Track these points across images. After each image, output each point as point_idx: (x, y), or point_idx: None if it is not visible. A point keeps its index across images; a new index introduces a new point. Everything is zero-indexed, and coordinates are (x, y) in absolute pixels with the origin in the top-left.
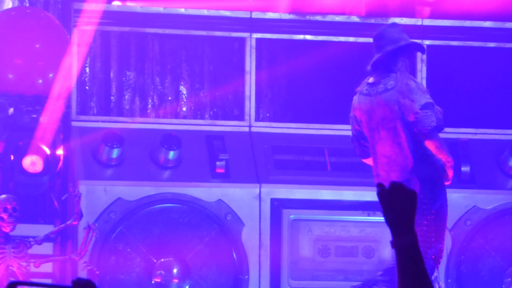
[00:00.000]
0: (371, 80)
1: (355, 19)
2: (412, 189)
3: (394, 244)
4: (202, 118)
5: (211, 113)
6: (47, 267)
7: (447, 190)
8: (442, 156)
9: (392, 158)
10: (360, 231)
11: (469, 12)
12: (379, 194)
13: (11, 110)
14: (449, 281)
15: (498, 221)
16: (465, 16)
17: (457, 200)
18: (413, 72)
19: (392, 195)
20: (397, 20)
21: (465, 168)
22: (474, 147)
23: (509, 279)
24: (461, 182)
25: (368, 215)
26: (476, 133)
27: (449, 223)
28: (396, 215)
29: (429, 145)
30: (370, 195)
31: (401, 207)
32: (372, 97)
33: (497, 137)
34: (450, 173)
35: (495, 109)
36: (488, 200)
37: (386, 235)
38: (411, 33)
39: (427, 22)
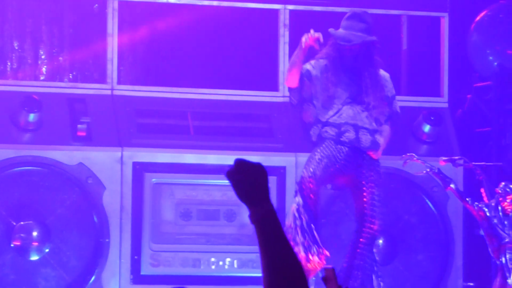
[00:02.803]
0: None
1: None
2: (256, 162)
3: (252, 216)
4: (63, 80)
5: (71, 76)
6: None
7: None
8: None
9: None
10: (222, 194)
11: None
12: (227, 174)
13: None
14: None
15: None
16: None
17: None
18: (276, 37)
19: (238, 171)
20: None
21: None
22: None
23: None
24: None
25: None
26: None
27: None
28: (248, 189)
29: None
30: (233, 159)
31: (251, 180)
32: None
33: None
34: None
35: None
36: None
37: None
38: None
39: None
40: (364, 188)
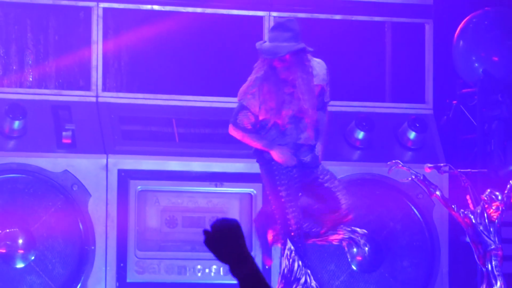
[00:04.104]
0: None
1: None
2: (232, 219)
3: (234, 274)
4: (48, 87)
5: (56, 83)
6: None
7: None
8: None
9: None
10: (207, 202)
11: None
12: (205, 243)
13: None
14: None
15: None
16: None
17: None
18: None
19: (216, 234)
20: None
21: None
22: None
23: (355, 249)
24: None
25: (216, 186)
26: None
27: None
28: (227, 251)
29: None
30: (218, 166)
31: (229, 241)
32: None
33: (343, 108)
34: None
35: (342, 81)
36: (334, 171)
37: (233, 205)
38: (260, 5)
39: None
40: (320, 180)
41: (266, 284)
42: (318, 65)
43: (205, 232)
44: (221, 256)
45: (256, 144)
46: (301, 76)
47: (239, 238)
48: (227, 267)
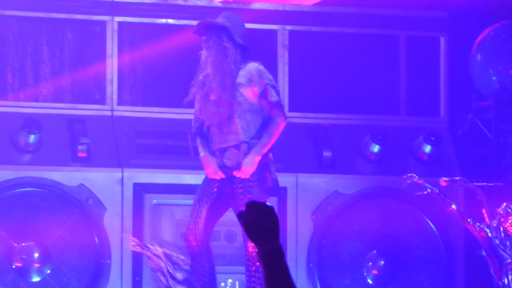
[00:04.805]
0: None
1: (216, 3)
2: (268, 205)
3: (259, 253)
4: (63, 101)
5: (72, 97)
6: None
7: (309, 174)
8: None
9: None
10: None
11: None
12: (238, 214)
13: None
14: (310, 265)
15: (359, 205)
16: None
17: (319, 184)
18: (274, 57)
19: (248, 210)
20: (259, 5)
21: (326, 153)
22: (335, 132)
23: (370, 263)
24: (323, 167)
25: None
26: (337, 118)
27: (311, 208)
28: (255, 228)
29: None
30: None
31: (259, 220)
32: None
33: (358, 122)
34: None
35: (356, 94)
36: (349, 185)
37: None
38: (274, 19)
39: (289, 7)
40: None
41: (286, 269)
42: (250, 69)
43: (240, 213)
44: (248, 230)
45: (198, 147)
46: (216, 57)
47: (270, 219)
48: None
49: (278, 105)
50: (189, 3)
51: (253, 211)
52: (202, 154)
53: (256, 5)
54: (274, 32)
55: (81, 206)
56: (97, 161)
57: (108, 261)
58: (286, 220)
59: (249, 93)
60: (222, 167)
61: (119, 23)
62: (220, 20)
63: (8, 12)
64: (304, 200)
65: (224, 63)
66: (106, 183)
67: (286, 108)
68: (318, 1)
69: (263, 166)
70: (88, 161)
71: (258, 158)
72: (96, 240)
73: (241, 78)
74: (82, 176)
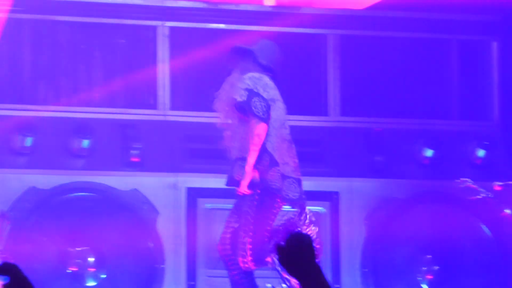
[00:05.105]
0: None
1: (267, 8)
2: (305, 234)
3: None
4: (116, 106)
5: (124, 102)
6: None
7: (361, 179)
8: None
9: None
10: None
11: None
12: (277, 253)
13: None
14: (365, 270)
15: (412, 210)
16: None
17: (371, 189)
18: (325, 62)
19: (290, 249)
20: (309, 10)
21: (379, 158)
22: (388, 137)
23: (425, 268)
24: (375, 171)
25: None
26: (389, 123)
27: (364, 213)
28: (299, 264)
29: None
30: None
31: (301, 255)
32: None
33: (410, 126)
34: None
35: (409, 99)
36: (402, 189)
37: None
38: (324, 23)
39: (340, 12)
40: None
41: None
42: (243, 78)
43: (279, 247)
44: (292, 269)
45: None
46: (234, 80)
47: (311, 253)
48: (297, 281)
49: (245, 109)
50: (240, 8)
51: (290, 248)
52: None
53: (306, 10)
54: (324, 36)
55: (135, 211)
56: (150, 165)
57: (162, 266)
58: (339, 225)
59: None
60: (231, 180)
61: (170, 28)
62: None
63: (61, 18)
64: (357, 204)
65: (229, 87)
66: (159, 187)
67: (337, 112)
68: (370, 5)
69: (261, 179)
70: (141, 166)
71: (248, 168)
72: (150, 244)
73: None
74: (135, 181)
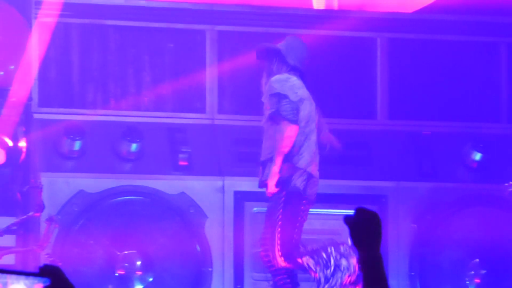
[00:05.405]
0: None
1: (317, 12)
2: (373, 212)
3: (360, 259)
4: (164, 110)
5: (173, 105)
6: (9, 259)
7: (409, 182)
8: None
9: None
10: (322, 223)
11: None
12: (345, 219)
13: None
14: (412, 274)
15: (460, 213)
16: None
17: (420, 192)
18: (374, 65)
19: (357, 219)
20: (358, 13)
21: (427, 161)
22: (436, 140)
23: (473, 272)
24: (423, 174)
25: (331, 208)
26: (438, 126)
27: (412, 216)
28: (360, 235)
29: None
30: (333, 187)
31: (365, 227)
32: None
33: (459, 130)
34: None
35: (457, 102)
36: (450, 193)
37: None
38: (372, 26)
39: (389, 15)
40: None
41: (384, 277)
42: (271, 82)
43: (347, 218)
44: (354, 236)
45: None
46: (267, 79)
47: (374, 226)
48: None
49: (276, 115)
50: (289, 11)
51: (361, 216)
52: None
53: (355, 14)
54: (373, 40)
55: (182, 214)
56: (198, 169)
57: (210, 269)
58: (387, 228)
59: (266, 108)
60: (261, 182)
61: (219, 31)
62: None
63: (109, 22)
64: (405, 208)
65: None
66: (207, 191)
67: (386, 115)
68: (419, 8)
69: (288, 178)
70: (189, 170)
71: (275, 169)
72: (198, 248)
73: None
74: (183, 184)
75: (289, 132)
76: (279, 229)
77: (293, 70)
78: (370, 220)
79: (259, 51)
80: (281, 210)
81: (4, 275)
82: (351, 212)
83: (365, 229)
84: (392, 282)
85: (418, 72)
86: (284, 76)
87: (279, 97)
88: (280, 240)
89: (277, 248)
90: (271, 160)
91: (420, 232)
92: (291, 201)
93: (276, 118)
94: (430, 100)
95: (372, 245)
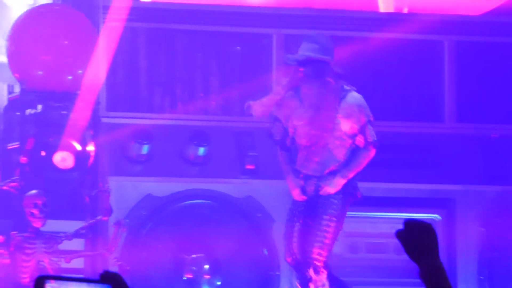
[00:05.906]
0: None
1: (383, 15)
2: (425, 222)
3: (421, 273)
4: (231, 114)
5: (240, 109)
6: (78, 263)
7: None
8: None
9: None
10: (390, 227)
11: None
12: (396, 234)
13: (39, 107)
14: (481, 278)
15: None
16: None
17: (488, 196)
18: (442, 68)
19: (407, 232)
20: (424, 16)
21: (495, 165)
22: (504, 143)
23: None
24: (492, 178)
25: (400, 212)
26: (507, 129)
27: (480, 219)
28: (415, 249)
29: None
30: (401, 191)
31: (418, 240)
32: None
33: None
34: None
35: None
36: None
37: None
38: (439, 29)
39: (456, 18)
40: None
41: (446, 281)
42: (351, 102)
43: (399, 231)
44: (408, 251)
45: (282, 165)
46: (317, 91)
47: (429, 237)
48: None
49: (375, 145)
50: (356, 14)
51: (411, 230)
52: (288, 175)
53: (423, 16)
54: (441, 43)
55: (250, 218)
56: (265, 173)
57: (278, 273)
58: (455, 232)
59: (346, 128)
60: (304, 191)
61: (286, 35)
62: (312, 46)
63: (177, 26)
64: (473, 212)
65: (326, 98)
66: (274, 195)
67: (453, 118)
68: (487, 11)
69: (347, 188)
70: (256, 173)
71: (343, 181)
72: (265, 252)
73: (341, 111)
74: (250, 188)
75: (372, 154)
76: (331, 229)
77: (341, 78)
78: (420, 232)
79: (302, 61)
80: (335, 217)
81: (65, 282)
82: (419, 215)
83: (417, 242)
84: (461, 286)
85: (485, 75)
86: (357, 95)
87: (369, 119)
88: (331, 241)
89: (325, 246)
90: (319, 178)
91: (489, 236)
92: (345, 206)
93: (373, 146)
94: (498, 103)
95: (428, 257)
